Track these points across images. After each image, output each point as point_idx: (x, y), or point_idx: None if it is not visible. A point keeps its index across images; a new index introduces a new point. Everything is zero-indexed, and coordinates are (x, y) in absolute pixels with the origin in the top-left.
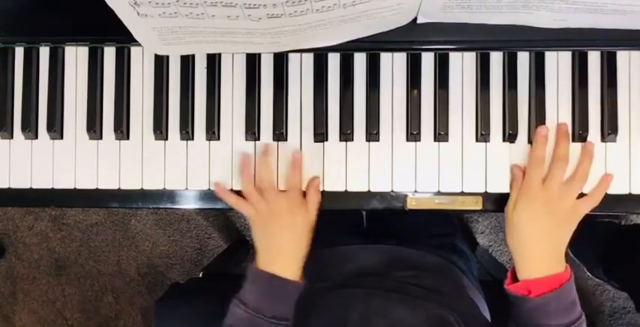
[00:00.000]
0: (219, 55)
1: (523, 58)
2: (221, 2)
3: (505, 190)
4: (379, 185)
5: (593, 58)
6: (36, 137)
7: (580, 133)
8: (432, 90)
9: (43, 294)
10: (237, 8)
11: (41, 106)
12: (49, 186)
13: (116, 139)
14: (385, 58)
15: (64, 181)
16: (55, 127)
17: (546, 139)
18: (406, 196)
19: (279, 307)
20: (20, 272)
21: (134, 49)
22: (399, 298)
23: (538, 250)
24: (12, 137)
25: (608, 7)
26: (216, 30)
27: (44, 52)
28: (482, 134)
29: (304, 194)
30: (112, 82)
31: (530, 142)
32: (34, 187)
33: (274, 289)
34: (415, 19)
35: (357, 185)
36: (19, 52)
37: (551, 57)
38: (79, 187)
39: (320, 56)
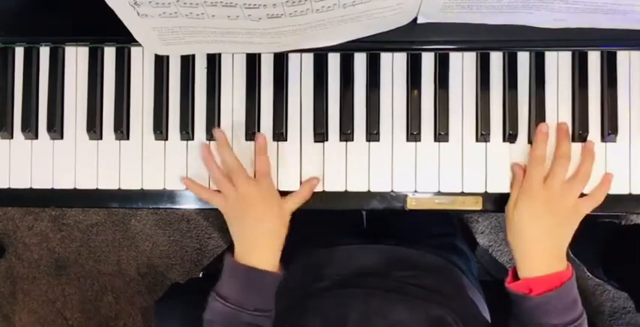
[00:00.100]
0: (219, 55)
1: (523, 58)
2: (221, 2)
3: (505, 190)
4: (379, 185)
5: (593, 58)
6: (36, 137)
7: (580, 133)
8: (432, 90)
9: (43, 294)
10: (237, 8)
11: (41, 106)
12: (49, 186)
13: (116, 139)
14: (385, 58)
15: (64, 181)
16: (55, 127)
17: (547, 136)
18: (406, 196)
19: (259, 299)
20: (20, 272)
21: (134, 49)
22: (398, 298)
23: (539, 249)
24: (12, 137)
25: (608, 7)
26: (216, 30)
27: (44, 52)
28: (483, 134)
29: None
30: (112, 82)
31: (530, 141)
32: (34, 187)
33: (252, 281)
34: (415, 19)
35: (357, 185)
36: (19, 52)
37: (551, 57)
38: (79, 187)
39: (320, 56)
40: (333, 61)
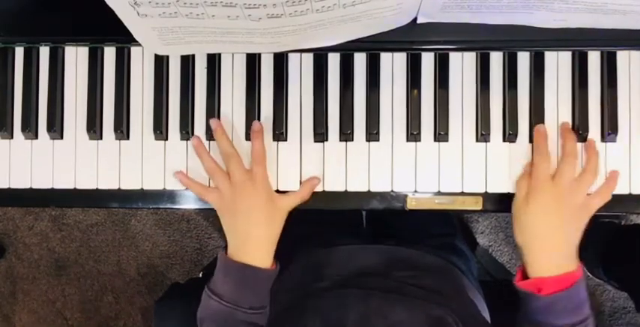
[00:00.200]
0: (219, 55)
1: (523, 58)
2: (221, 2)
3: (505, 190)
4: (379, 185)
5: (593, 58)
6: (36, 137)
7: (580, 133)
8: (432, 90)
9: (43, 294)
10: (237, 8)
11: (41, 106)
12: (49, 186)
13: (116, 139)
14: (385, 58)
15: (64, 181)
16: (55, 127)
17: (545, 134)
18: (406, 196)
19: (253, 296)
20: (20, 272)
21: (134, 49)
22: (398, 298)
23: (549, 246)
24: (12, 137)
25: (608, 7)
26: (216, 30)
27: (44, 52)
28: (483, 134)
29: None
30: (112, 82)
31: (530, 141)
32: (34, 187)
33: (246, 278)
34: (415, 19)
35: (357, 185)
36: (19, 52)
37: (551, 57)
38: (79, 187)
39: (320, 56)
40: (333, 61)
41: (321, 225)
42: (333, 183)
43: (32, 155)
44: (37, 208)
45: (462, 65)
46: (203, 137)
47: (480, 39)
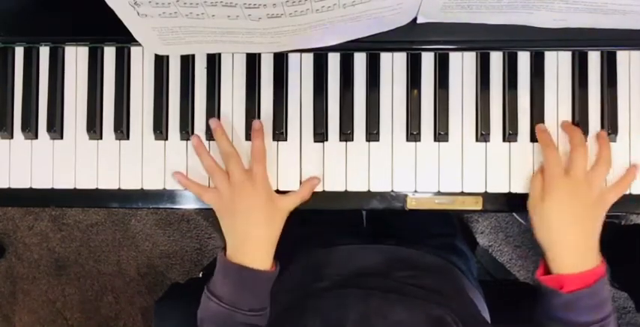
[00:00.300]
0: (219, 55)
1: (523, 58)
2: (221, 2)
3: (505, 190)
4: (379, 185)
5: (593, 58)
6: (36, 137)
7: None
8: (432, 90)
9: (43, 294)
10: (237, 8)
11: (41, 106)
12: (49, 186)
13: (116, 139)
14: (385, 58)
15: (64, 181)
16: (55, 127)
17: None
18: (406, 196)
19: (253, 298)
20: (20, 272)
21: (134, 49)
22: (398, 298)
23: (571, 241)
24: (12, 137)
25: (608, 7)
26: (216, 30)
27: (44, 52)
28: (482, 134)
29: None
30: (112, 82)
31: (531, 141)
32: (34, 187)
33: (245, 280)
34: (415, 19)
35: (357, 185)
36: (19, 52)
37: (551, 57)
38: (79, 187)
39: (320, 56)
40: (333, 61)
41: (321, 225)
42: (333, 183)
43: (32, 155)
44: (37, 208)
45: (462, 65)
46: (203, 137)
47: (480, 39)
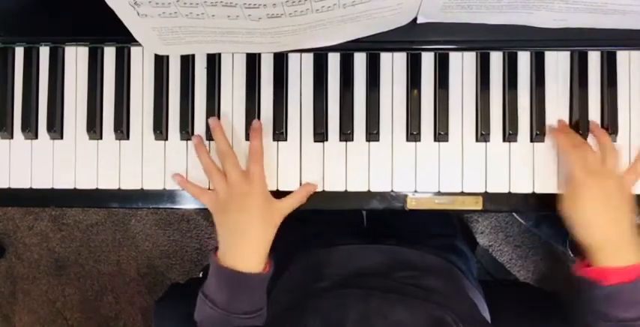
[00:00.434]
0: (219, 55)
1: (523, 58)
2: (221, 2)
3: (505, 190)
4: (379, 185)
5: (593, 58)
6: (36, 137)
7: (580, 133)
8: (432, 90)
9: (43, 294)
10: (237, 8)
11: (41, 106)
12: (49, 186)
13: (116, 139)
14: (385, 58)
15: (64, 181)
16: (55, 127)
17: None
18: (406, 196)
19: (247, 301)
20: (20, 272)
21: (134, 49)
22: (398, 298)
23: (612, 233)
24: (12, 137)
25: (608, 7)
26: (216, 30)
27: (44, 52)
28: (482, 134)
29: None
30: (112, 82)
31: (531, 141)
32: (34, 187)
33: (238, 284)
34: (415, 19)
35: (357, 185)
36: (19, 52)
37: (551, 57)
38: (79, 187)
39: (320, 56)
40: (333, 61)
41: (321, 225)
42: (333, 183)
43: (32, 155)
44: (37, 208)
45: (462, 65)
46: (203, 137)
47: (480, 39)
